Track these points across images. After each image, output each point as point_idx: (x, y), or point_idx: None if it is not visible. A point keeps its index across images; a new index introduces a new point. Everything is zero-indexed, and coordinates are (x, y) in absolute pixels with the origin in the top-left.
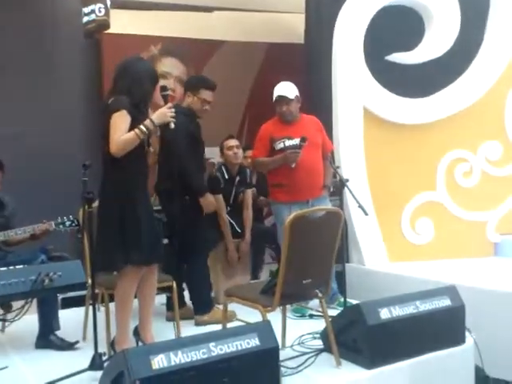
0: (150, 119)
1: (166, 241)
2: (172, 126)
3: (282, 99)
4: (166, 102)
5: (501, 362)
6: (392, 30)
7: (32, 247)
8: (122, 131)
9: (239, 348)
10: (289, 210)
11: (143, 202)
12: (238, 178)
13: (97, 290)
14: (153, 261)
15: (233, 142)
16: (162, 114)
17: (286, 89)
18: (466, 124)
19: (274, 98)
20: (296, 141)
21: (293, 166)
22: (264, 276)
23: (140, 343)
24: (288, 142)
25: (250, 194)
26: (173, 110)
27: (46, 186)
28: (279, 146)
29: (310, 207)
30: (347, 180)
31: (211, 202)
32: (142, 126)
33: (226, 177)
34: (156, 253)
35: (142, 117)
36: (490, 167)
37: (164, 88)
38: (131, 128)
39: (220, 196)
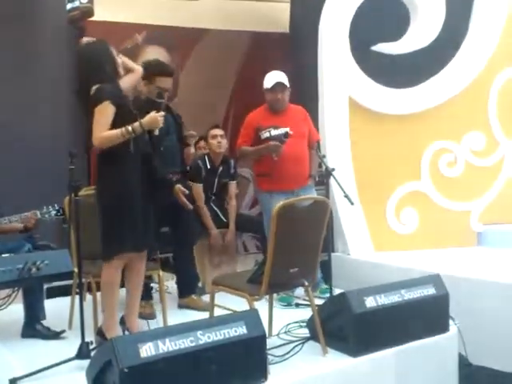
0: (140, 122)
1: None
2: (157, 132)
3: (280, 86)
4: (158, 110)
5: (484, 349)
6: (378, 20)
7: (17, 236)
8: (103, 125)
9: (226, 336)
10: (274, 200)
11: (136, 189)
12: (221, 168)
13: (84, 279)
14: (143, 247)
15: (217, 132)
16: (154, 120)
17: (283, 77)
18: (451, 115)
19: (271, 85)
20: (282, 130)
21: (275, 158)
22: (250, 266)
23: (126, 332)
24: (274, 132)
25: (234, 185)
26: (162, 118)
27: (31, 175)
28: (265, 135)
29: (296, 197)
30: (333, 169)
31: (177, 193)
32: (129, 127)
33: (209, 166)
34: (146, 240)
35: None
36: (474, 157)
37: (160, 95)
38: (120, 112)
39: (199, 187)
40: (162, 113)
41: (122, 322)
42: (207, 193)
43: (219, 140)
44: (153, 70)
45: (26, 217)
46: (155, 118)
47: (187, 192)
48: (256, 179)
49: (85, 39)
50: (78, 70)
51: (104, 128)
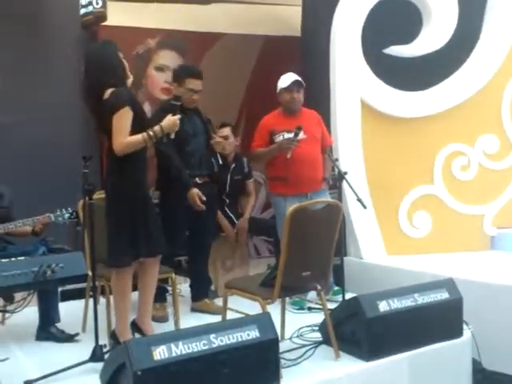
0: (160, 126)
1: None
2: (173, 136)
3: (297, 85)
4: (174, 113)
5: (498, 354)
6: (390, 23)
7: (32, 239)
8: (126, 131)
9: (239, 339)
10: (288, 203)
11: (148, 195)
12: (233, 165)
13: (97, 282)
14: (157, 252)
15: (226, 132)
16: (173, 124)
17: (298, 77)
18: (464, 117)
19: (287, 84)
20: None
21: (288, 156)
22: (262, 269)
23: (136, 335)
24: (287, 135)
25: (251, 183)
26: (179, 121)
27: (45, 177)
28: (278, 138)
29: (309, 200)
30: (346, 173)
31: (193, 197)
32: (151, 132)
33: (221, 162)
34: (159, 243)
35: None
36: (488, 161)
37: (177, 98)
38: (136, 116)
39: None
40: (179, 115)
41: (133, 324)
42: (220, 193)
43: (195, 98)
44: (182, 73)
45: (38, 220)
46: (174, 120)
47: (204, 198)
48: (269, 183)
49: None
50: (86, 72)
51: (125, 134)
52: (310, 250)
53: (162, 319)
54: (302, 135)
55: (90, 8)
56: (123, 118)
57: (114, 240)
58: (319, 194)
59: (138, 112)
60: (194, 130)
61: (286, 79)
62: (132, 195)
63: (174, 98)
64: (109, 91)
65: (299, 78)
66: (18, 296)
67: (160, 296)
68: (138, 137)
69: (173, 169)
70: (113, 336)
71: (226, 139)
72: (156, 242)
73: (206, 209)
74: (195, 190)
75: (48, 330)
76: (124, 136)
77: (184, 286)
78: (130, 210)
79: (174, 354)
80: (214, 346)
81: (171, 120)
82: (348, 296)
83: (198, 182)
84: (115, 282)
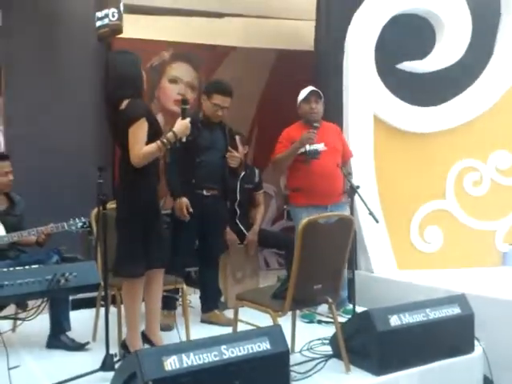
0: (172, 131)
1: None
2: (184, 139)
3: (315, 95)
4: (184, 117)
5: (509, 370)
6: (403, 38)
7: (45, 247)
8: (142, 142)
9: (250, 351)
10: (306, 214)
11: (159, 205)
12: (243, 173)
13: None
14: (166, 261)
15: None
16: (185, 127)
17: (315, 88)
18: (476, 133)
19: (305, 95)
20: (318, 146)
21: (308, 148)
22: (271, 281)
23: (146, 345)
24: (309, 147)
25: (261, 195)
26: (189, 125)
27: (58, 187)
28: (301, 150)
29: (329, 212)
30: (358, 187)
31: (179, 206)
32: (164, 140)
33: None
34: (164, 253)
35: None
36: (500, 176)
37: (184, 101)
38: (151, 128)
39: None
40: (189, 118)
41: (143, 335)
42: (231, 203)
43: (219, 113)
44: (211, 87)
45: (41, 231)
46: (185, 124)
47: (191, 210)
48: (290, 194)
49: None
50: (105, 80)
51: (142, 145)
52: (322, 263)
53: (168, 328)
54: (322, 147)
55: (106, 20)
56: (140, 130)
57: (126, 250)
58: (339, 206)
59: (152, 123)
60: (212, 142)
61: (304, 91)
62: (144, 205)
63: (182, 101)
64: (126, 102)
65: (316, 89)
66: (30, 304)
67: (168, 304)
68: (153, 145)
69: (166, 176)
70: (123, 346)
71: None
72: (165, 252)
73: (215, 221)
74: (184, 200)
75: (59, 338)
76: (141, 147)
77: (194, 297)
78: (143, 220)
79: (185, 365)
80: (224, 357)
81: (182, 124)
82: (358, 310)
83: (205, 194)
84: (126, 292)
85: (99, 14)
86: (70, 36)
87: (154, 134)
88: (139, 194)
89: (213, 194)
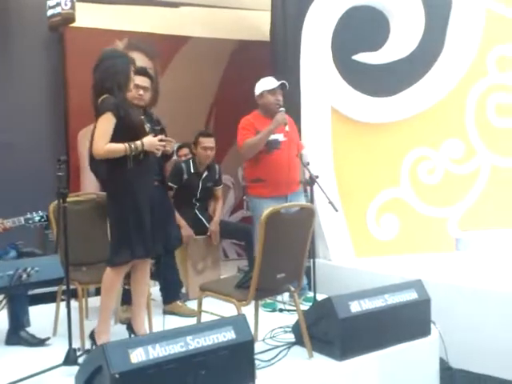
0: (141, 142)
1: None
2: (159, 154)
3: (282, 88)
4: (156, 134)
5: (463, 353)
6: (359, 30)
7: (1, 243)
8: (105, 136)
9: (215, 341)
10: (267, 204)
11: (144, 195)
12: (206, 173)
13: (72, 286)
14: (152, 253)
15: (209, 144)
16: (151, 145)
17: (285, 82)
18: (430, 123)
19: (273, 87)
20: (278, 136)
21: (286, 127)
22: (231, 272)
23: (133, 336)
24: (272, 136)
25: (220, 190)
26: (163, 142)
27: (12, 182)
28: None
29: (289, 202)
30: (317, 176)
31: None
32: (132, 145)
33: (193, 170)
34: (155, 245)
35: (131, 111)
36: (452, 165)
37: (158, 122)
38: (123, 124)
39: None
40: (160, 137)
41: (129, 326)
42: (190, 197)
43: (209, 154)
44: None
45: None
46: (154, 143)
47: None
48: (249, 185)
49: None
50: (95, 72)
51: (105, 138)
52: (285, 253)
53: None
54: (282, 137)
55: (58, 9)
56: (104, 124)
57: (118, 238)
58: (296, 195)
59: (123, 119)
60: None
61: (271, 82)
62: (121, 198)
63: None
64: (102, 97)
65: (285, 82)
66: None
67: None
68: (121, 146)
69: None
70: (91, 336)
71: (207, 152)
72: (152, 244)
73: (163, 212)
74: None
75: (18, 334)
76: (104, 140)
77: (154, 290)
78: (121, 212)
79: (151, 357)
80: (190, 347)
81: (151, 140)
82: (319, 298)
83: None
84: (107, 280)
85: (50, 3)
86: (22, 25)
87: (126, 129)
88: (117, 187)
89: (156, 186)
